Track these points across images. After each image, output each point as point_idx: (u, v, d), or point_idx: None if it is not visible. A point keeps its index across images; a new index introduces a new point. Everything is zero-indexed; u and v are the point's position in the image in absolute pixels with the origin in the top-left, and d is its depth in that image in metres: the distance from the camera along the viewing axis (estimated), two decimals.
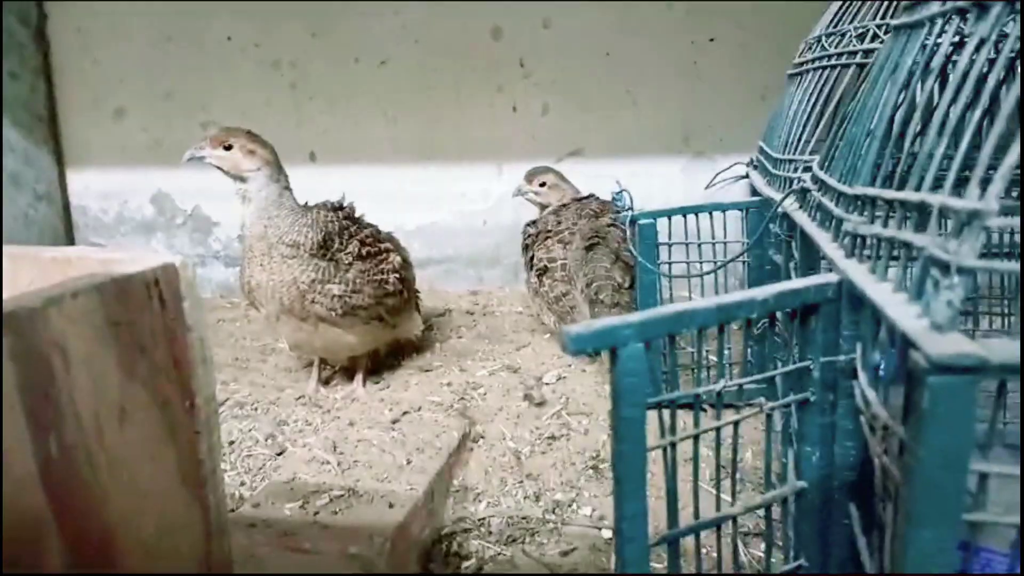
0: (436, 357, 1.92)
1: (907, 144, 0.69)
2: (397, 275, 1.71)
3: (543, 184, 1.98)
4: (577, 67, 2.16)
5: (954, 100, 0.61)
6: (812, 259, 1.06)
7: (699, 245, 1.55)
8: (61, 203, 2.56)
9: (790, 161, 1.35)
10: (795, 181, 1.31)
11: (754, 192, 1.67)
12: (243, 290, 1.66)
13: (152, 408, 0.66)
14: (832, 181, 0.89)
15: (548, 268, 1.85)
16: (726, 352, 1.56)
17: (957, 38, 0.67)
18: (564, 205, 1.96)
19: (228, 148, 1.55)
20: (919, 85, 0.72)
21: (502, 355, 1.92)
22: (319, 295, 1.59)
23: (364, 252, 1.66)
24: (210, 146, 1.56)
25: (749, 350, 1.52)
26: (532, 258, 1.91)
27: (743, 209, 1.52)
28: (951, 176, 0.57)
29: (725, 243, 1.55)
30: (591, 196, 1.97)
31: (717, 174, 1.96)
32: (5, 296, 0.74)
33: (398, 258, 1.74)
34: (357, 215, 1.78)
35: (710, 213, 1.53)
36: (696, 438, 0.77)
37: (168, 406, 0.68)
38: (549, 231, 1.90)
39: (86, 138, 2.52)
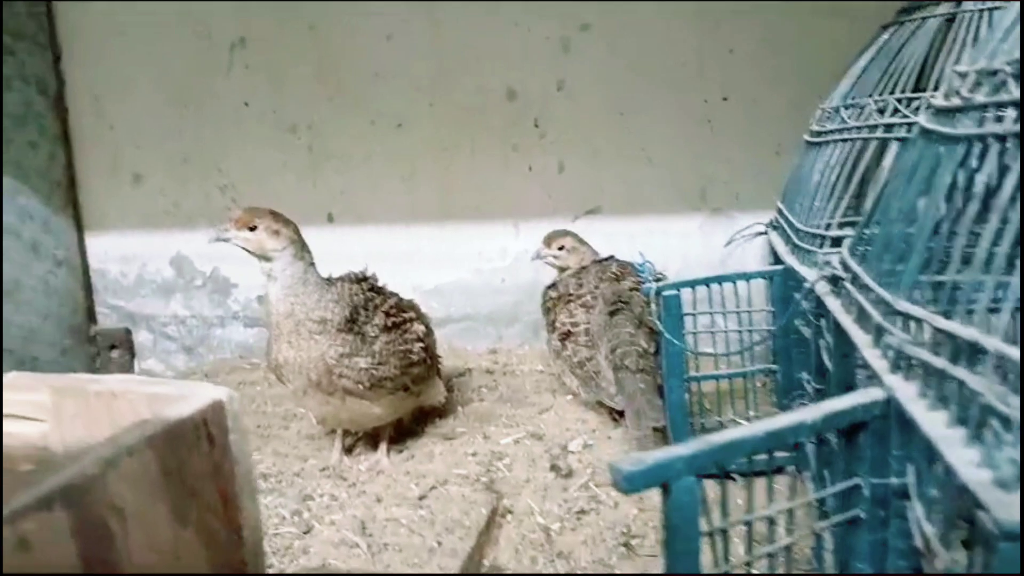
0: (459, 422, 1.91)
1: (952, 270, 0.68)
2: (421, 344, 1.71)
3: (562, 248, 1.99)
4: (591, 126, 2.17)
5: (1000, 231, 0.61)
6: (846, 347, 1.05)
7: (724, 313, 1.55)
8: (80, 267, 2.58)
9: (815, 235, 1.35)
10: (820, 257, 1.31)
11: (774, 253, 1.67)
12: (270, 366, 1.67)
13: (201, 547, 0.65)
14: (871, 282, 0.88)
15: (571, 333, 1.84)
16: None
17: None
18: (584, 267, 1.96)
19: (253, 229, 1.56)
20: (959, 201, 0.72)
21: (525, 420, 1.91)
22: (347, 369, 1.59)
23: (389, 323, 1.66)
24: (235, 228, 1.58)
25: None
26: (554, 321, 1.91)
27: (767, 277, 1.52)
28: (1005, 314, 0.57)
29: (750, 311, 1.55)
30: (611, 258, 1.97)
31: (736, 234, 1.97)
32: (50, 430, 0.74)
33: (421, 327, 1.74)
34: (379, 284, 1.78)
35: (734, 282, 1.53)
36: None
37: (215, 540, 0.67)
38: (571, 295, 1.90)
39: (105, 203, 2.55)
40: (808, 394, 1.38)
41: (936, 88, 1.30)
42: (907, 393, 0.69)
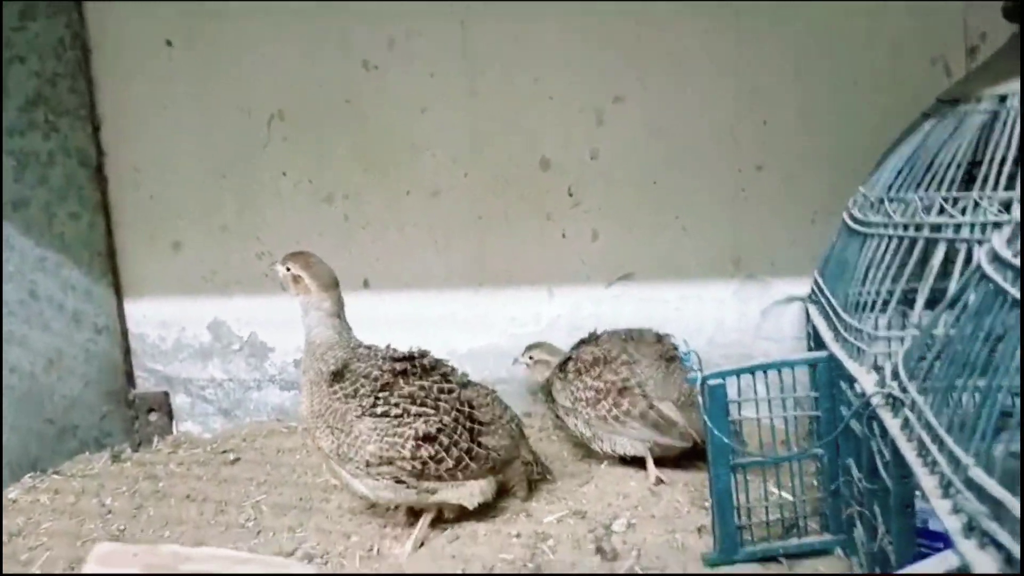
0: (500, 496, 1.91)
1: None
2: (417, 443, 1.65)
3: (531, 358, 2.17)
4: (625, 195, 2.20)
5: None
6: (906, 469, 1.05)
7: (768, 400, 1.55)
8: (120, 332, 2.62)
9: (861, 332, 1.35)
10: (872, 357, 1.31)
11: (813, 329, 1.68)
12: None
13: None
14: (933, 420, 0.89)
15: (626, 387, 1.93)
16: None
17: None
18: (596, 337, 2.08)
19: (288, 269, 1.71)
20: None
21: (566, 493, 1.91)
22: (322, 432, 1.66)
23: (380, 411, 1.65)
24: (280, 263, 1.74)
25: None
26: (593, 386, 1.96)
27: (811, 364, 1.52)
28: None
29: (795, 397, 1.55)
30: (602, 333, 2.10)
31: (770, 305, 1.98)
32: None
33: (423, 426, 1.66)
34: (433, 366, 1.78)
35: (779, 370, 1.53)
36: None
37: None
38: (606, 358, 1.98)
39: (144, 270, 2.59)
40: (857, 487, 1.38)
41: (984, 187, 1.31)
42: (985, 567, 0.69)
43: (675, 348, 2.00)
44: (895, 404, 1.08)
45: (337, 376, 1.66)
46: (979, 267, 0.91)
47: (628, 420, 1.92)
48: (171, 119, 2.48)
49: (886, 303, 1.39)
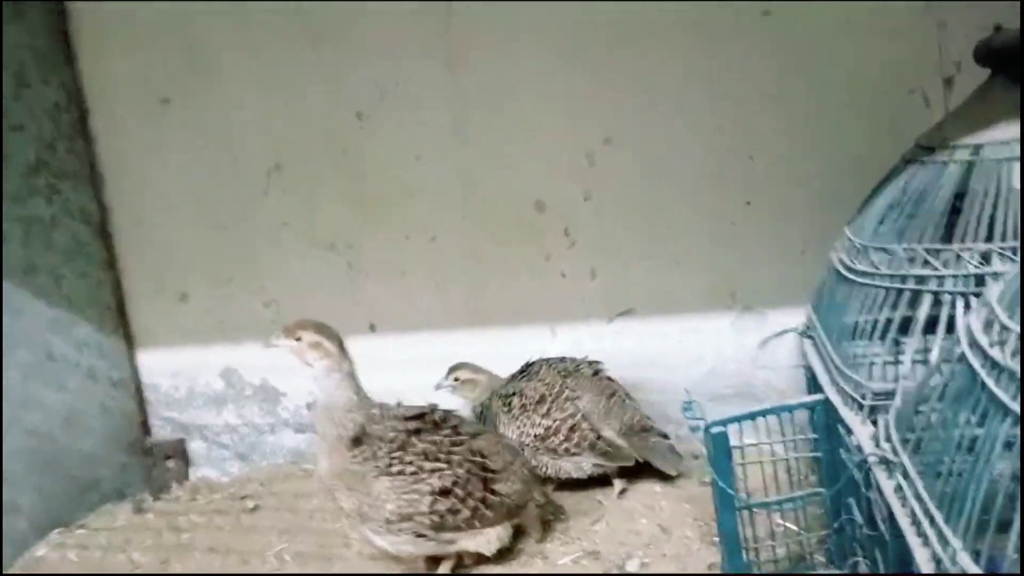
0: (516, 538, 1.96)
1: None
2: (433, 498, 1.71)
3: (456, 379, 2.23)
4: (620, 234, 2.25)
5: None
6: (900, 531, 1.11)
7: (771, 445, 1.61)
8: (133, 384, 2.68)
9: (856, 383, 1.41)
10: (863, 407, 1.37)
11: (810, 369, 1.74)
12: None
13: None
14: (924, 493, 0.95)
15: (576, 425, 2.09)
16: None
17: None
18: (524, 373, 2.21)
19: (298, 339, 1.73)
20: None
21: (579, 533, 1.97)
22: (343, 494, 1.71)
23: (395, 470, 1.71)
24: (284, 336, 1.75)
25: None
26: (541, 423, 2.11)
27: (810, 408, 1.58)
28: None
29: (796, 440, 1.61)
30: (536, 362, 2.24)
31: (767, 339, 2.03)
32: None
33: (438, 481, 1.72)
34: (444, 419, 1.84)
35: (779, 415, 1.59)
36: None
37: None
38: (552, 395, 2.13)
39: (154, 321, 2.64)
40: (860, 531, 1.44)
41: (963, 240, 1.37)
42: None
43: (611, 381, 2.19)
44: (889, 465, 1.13)
45: (356, 441, 1.71)
46: (957, 340, 0.97)
47: (578, 452, 2.10)
48: (171, 174, 2.53)
49: (884, 329, 1.44)
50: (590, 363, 2.21)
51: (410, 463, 1.72)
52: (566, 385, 2.13)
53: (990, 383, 0.86)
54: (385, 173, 2.38)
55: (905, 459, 1.07)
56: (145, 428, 2.73)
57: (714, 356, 2.22)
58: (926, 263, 1.38)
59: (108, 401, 2.57)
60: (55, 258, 2.43)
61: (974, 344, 0.94)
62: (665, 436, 2.16)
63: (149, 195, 2.56)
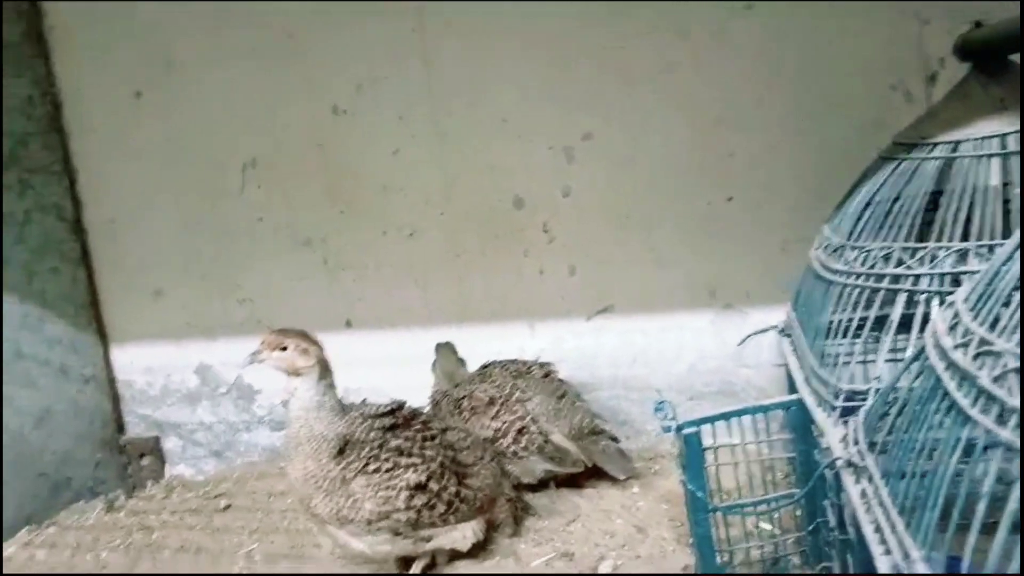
0: (488, 538, 1.93)
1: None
2: (410, 493, 1.69)
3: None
4: (599, 230, 2.22)
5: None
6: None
7: (744, 445, 1.58)
8: (107, 380, 2.64)
9: (828, 384, 1.38)
10: (835, 408, 1.34)
11: (788, 372, 1.71)
12: None
13: None
14: (887, 500, 0.92)
15: (524, 428, 2.06)
16: None
17: None
18: (479, 373, 2.19)
19: (284, 349, 1.66)
20: None
21: (553, 534, 1.94)
22: (320, 500, 1.67)
23: (372, 468, 1.68)
24: (267, 349, 1.67)
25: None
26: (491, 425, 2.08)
27: (785, 407, 1.55)
28: None
29: (770, 441, 1.58)
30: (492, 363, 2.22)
31: (747, 336, 2.00)
32: None
33: (413, 476, 1.70)
34: (412, 416, 1.82)
35: (753, 415, 1.56)
36: None
37: None
38: (502, 396, 2.10)
39: (127, 318, 2.61)
40: (832, 534, 1.42)
41: (939, 239, 1.34)
42: None
43: (562, 383, 2.16)
44: (856, 469, 1.10)
45: (340, 451, 1.67)
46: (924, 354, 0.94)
47: (526, 455, 2.06)
48: (145, 169, 2.50)
49: (859, 327, 1.41)
50: (541, 365, 2.18)
51: (386, 459, 1.69)
52: (516, 387, 2.11)
53: (951, 387, 0.83)
54: (362, 168, 2.34)
55: (870, 463, 1.03)
56: (119, 425, 2.69)
57: (694, 354, 2.20)
58: (901, 262, 1.35)
59: (81, 399, 2.53)
60: (26, 254, 2.39)
61: (938, 346, 0.91)
62: (615, 439, 2.15)
63: (123, 190, 2.53)
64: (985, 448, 0.75)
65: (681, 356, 2.22)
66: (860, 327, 1.40)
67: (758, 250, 2.10)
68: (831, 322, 1.45)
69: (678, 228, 2.16)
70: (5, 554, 2.21)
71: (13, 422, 2.30)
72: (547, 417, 2.08)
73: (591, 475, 2.14)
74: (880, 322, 1.38)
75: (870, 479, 1.02)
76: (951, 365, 0.85)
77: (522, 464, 2.07)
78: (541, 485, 2.13)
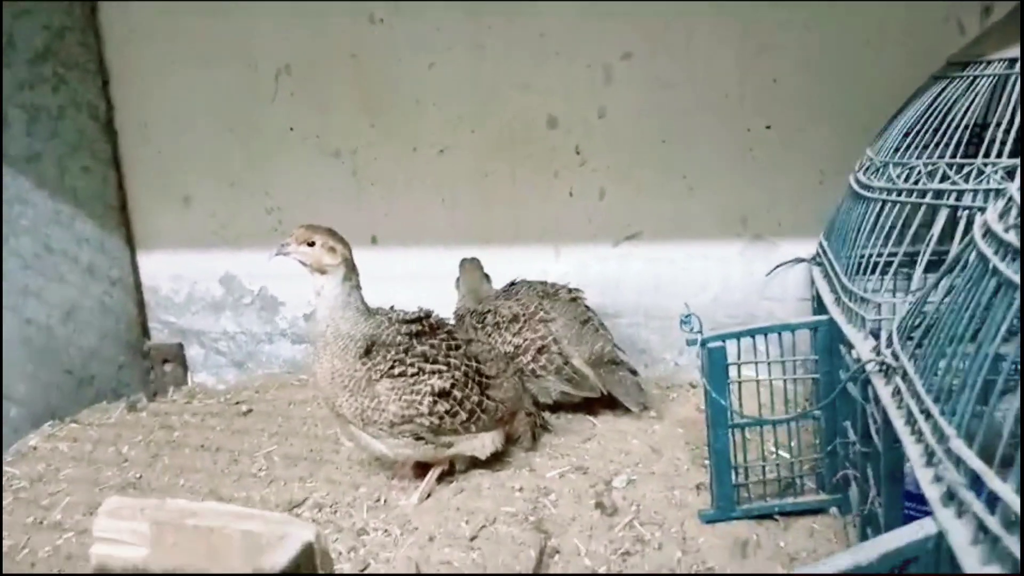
0: (505, 451, 1.95)
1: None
2: (434, 399, 1.71)
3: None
4: (632, 153, 2.18)
5: None
6: (895, 438, 1.07)
7: (768, 364, 1.57)
8: (134, 285, 2.67)
9: (861, 299, 1.36)
10: (868, 323, 1.33)
11: (817, 293, 1.69)
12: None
13: None
14: (923, 392, 0.91)
15: (544, 346, 2.06)
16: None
17: None
18: (505, 290, 2.18)
19: (311, 244, 1.66)
20: None
21: (569, 450, 1.95)
22: (345, 400, 1.68)
23: (397, 371, 1.69)
24: (295, 243, 1.67)
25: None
26: (509, 341, 2.08)
27: (812, 328, 1.54)
28: None
29: (795, 361, 1.57)
30: (520, 281, 2.21)
31: (776, 266, 1.98)
32: (151, 556, 0.80)
33: (438, 381, 1.71)
34: (439, 325, 1.83)
35: (779, 333, 1.55)
36: None
37: None
38: (525, 314, 2.09)
39: (156, 224, 2.62)
40: (852, 449, 1.41)
41: (988, 154, 1.30)
42: (959, 537, 0.71)
43: (588, 309, 2.15)
44: (888, 372, 1.09)
45: (367, 351, 1.68)
46: (972, 239, 0.92)
47: (544, 375, 2.07)
48: (179, 73, 2.48)
49: (888, 265, 1.40)
50: (570, 289, 2.16)
51: (411, 364, 1.70)
52: (541, 307, 2.10)
53: (1001, 266, 0.81)
54: (396, 80, 2.31)
55: (905, 361, 1.02)
56: (144, 330, 2.72)
57: (720, 284, 2.18)
58: (946, 178, 1.32)
59: (107, 299, 2.56)
60: (60, 149, 2.39)
61: (988, 233, 0.88)
62: (634, 372, 2.14)
63: (156, 95, 2.51)
64: None
65: (707, 286, 2.20)
66: (898, 242, 1.38)
67: (795, 180, 2.07)
68: (868, 238, 1.43)
69: (714, 154, 2.12)
70: (30, 444, 2.26)
71: (40, 315, 2.33)
72: (569, 340, 2.07)
73: (605, 404, 2.15)
74: (913, 259, 1.36)
75: (904, 375, 1.01)
76: (1002, 245, 0.82)
77: (539, 383, 2.08)
78: (555, 407, 2.14)
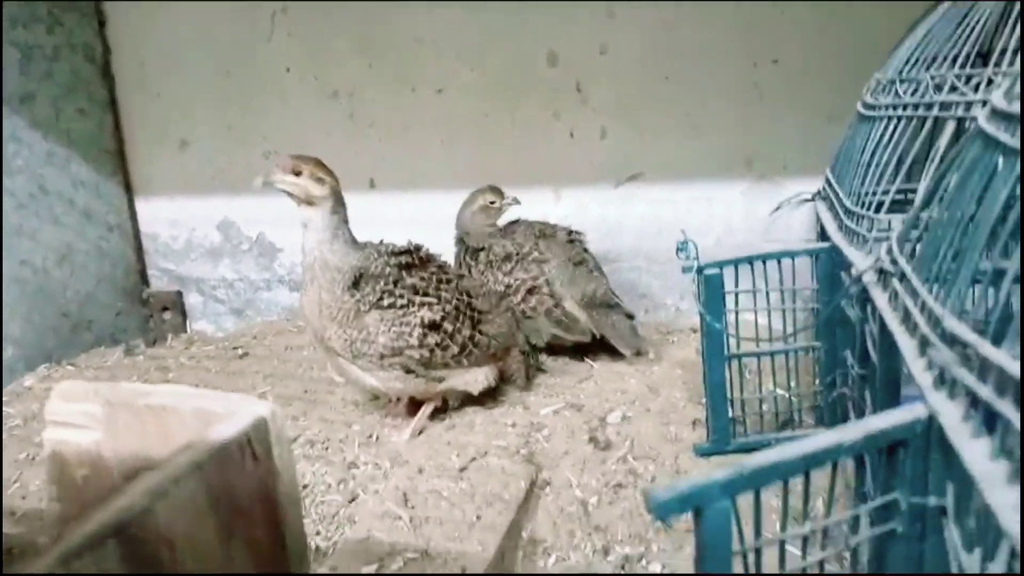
0: (499, 390, 1.93)
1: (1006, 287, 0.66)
2: (424, 331, 1.67)
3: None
4: (635, 92, 2.13)
5: None
6: (892, 345, 1.02)
7: (767, 292, 1.52)
8: (131, 231, 2.64)
9: (863, 217, 1.31)
10: (869, 241, 1.28)
11: (821, 225, 1.64)
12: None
13: (247, 560, 0.68)
14: (919, 285, 0.86)
15: (535, 287, 2.02)
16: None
17: None
18: (502, 229, 2.12)
19: (298, 174, 1.60)
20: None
21: (565, 389, 1.92)
22: (334, 332, 1.65)
23: (386, 303, 1.66)
24: (281, 172, 1.61)
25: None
26: (500, 280, 2.05)
27: (813, 255, 1.49)
28: None
29: (794, 290, 1.52)
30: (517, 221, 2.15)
31: (780, 204, 1.93)
32: (103, 439, 0.77)
33: (428, 313, 1.68)
34: (428, 258, 1.79)
35: (779, 260, 1.50)
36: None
37: (260, 552, 0.70)
38: (519, 254, 2.05)
39: (153, 168, 2.59)
40: (851, 375, 1.37)
41: (998, 65, 1.24)
42: (951, 417, 0.67)
43: (585, 251, 2.09)
44: (887, 280, 1.04)
45: (355, 283, 1.65)
46: (974, 127, 0.87)
47: (535, 316, 2.03)
48: (175, 15, 2.44)
49: (895, 203, 1.34)
50: (569, 231, 2.11)
51: (401, 296, 1.67)
52: (536, 247, 2.05)
53: (1004, 137, 0.76)
54: (394, 19, 2.26)
55: (903, 263, 0.97)
56: (143, 278, 2.71)
57: (723, 226, 2.13)
58: (954, 89, 1.26)
59: (104, 244, 2.54)
60: (55, 90, 2.36)
61: (993, 113, 0.83)
62: (631, 316, 2.08)
63: (152, 36, 2.48)
64: None
65: (709, 229, 2.15)
66: (898, 164, 1.32)
67: (801, 119, 2.01)
68: (870, 159, 1.37)
69: (718, 91, 2.06)
70: (25, 384, 2.25)
71: (36, 256, 2.31)
72: (561, 282, 2.03)
73: (604, 348, 2.10)
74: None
75: (902, 277, 0.96)
76: (1005, 117, 0.77)
77: (530, 324, 2.04)
78: (550, 350, 2.10)
